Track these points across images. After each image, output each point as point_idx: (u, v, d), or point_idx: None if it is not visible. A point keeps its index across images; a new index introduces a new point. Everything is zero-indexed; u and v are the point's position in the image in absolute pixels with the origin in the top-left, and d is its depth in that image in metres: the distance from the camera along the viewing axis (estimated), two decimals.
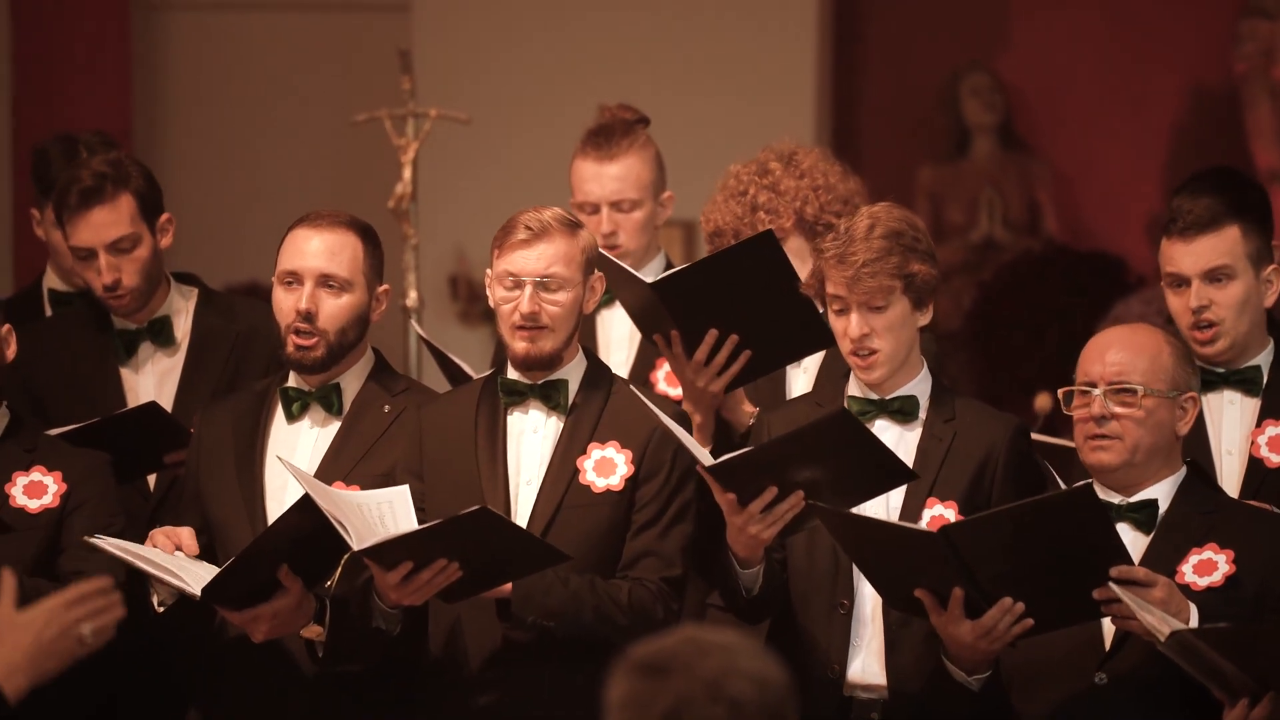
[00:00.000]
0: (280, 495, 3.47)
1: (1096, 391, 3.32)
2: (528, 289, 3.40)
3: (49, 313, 4.25)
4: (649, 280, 3.58)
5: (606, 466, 3.42)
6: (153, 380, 3.89)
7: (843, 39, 7.00)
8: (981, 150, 7.09)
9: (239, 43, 7.11)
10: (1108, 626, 3.26)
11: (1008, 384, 6.34)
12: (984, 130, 7.09)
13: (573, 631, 3.35)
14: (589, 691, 3.27)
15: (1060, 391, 3.38)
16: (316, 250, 3.49)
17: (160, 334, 3.91)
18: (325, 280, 3.49)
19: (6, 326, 3.55)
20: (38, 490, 3.51)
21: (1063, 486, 3.34)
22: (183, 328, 3.92)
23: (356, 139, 5.63)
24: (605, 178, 4.00)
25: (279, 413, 3.55)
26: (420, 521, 3.29)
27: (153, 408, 3.73)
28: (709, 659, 2.15)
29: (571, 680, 3.37)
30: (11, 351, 3.55)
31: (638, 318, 3.74)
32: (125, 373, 3.92)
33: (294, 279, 3.50)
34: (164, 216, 3.91)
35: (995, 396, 6.01)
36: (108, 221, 3.81)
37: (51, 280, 4.30)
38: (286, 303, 3.50)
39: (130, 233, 3.83)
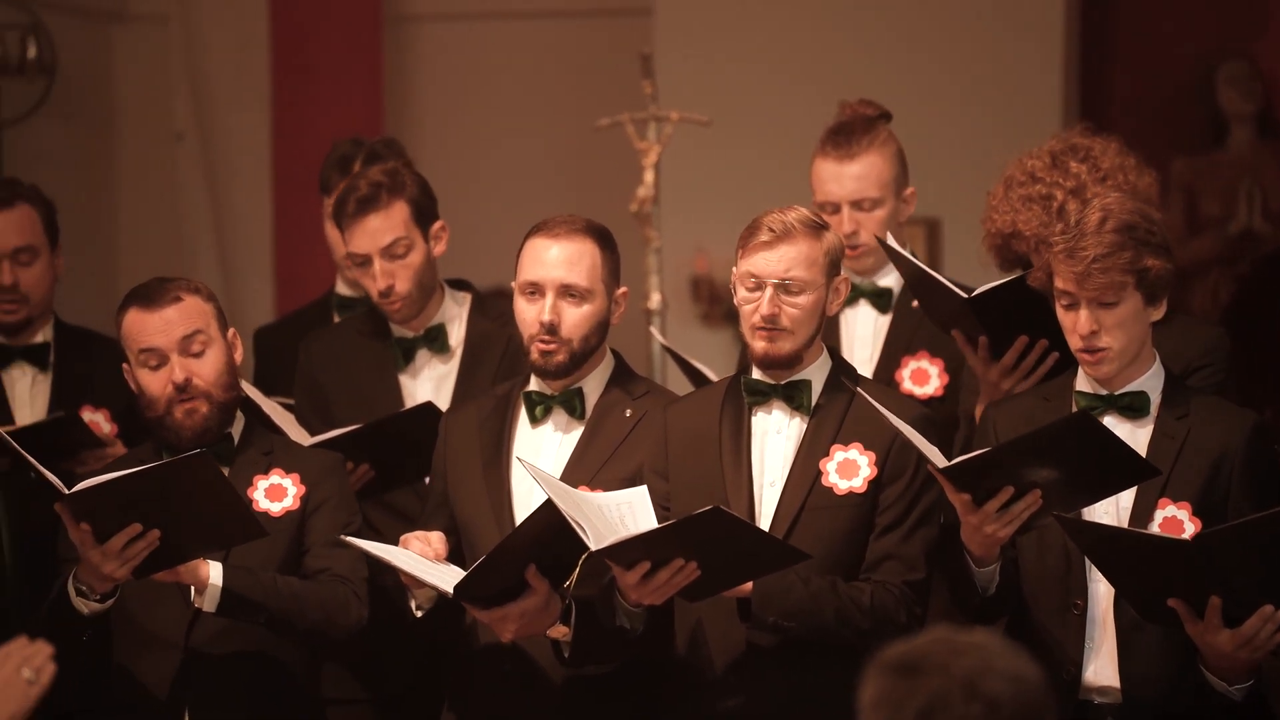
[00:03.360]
0: (527, 498, 3.50)
1: None
2: (768, 290, 3.40)
3: (335, 319, 4.38)
4: (963, 294, 3.62)
5: (849, 468, 3.39)
6: (429, 386, 3.97)
7: (1091, 27, 6.83)
8: (1239, 140, 6.86)
9: (484, 52, 7.24)
10: None
11: (1269, 379, 6.13)
12: (1242, 119, 6.85)
13: (813, 633, 3.33)
14: (832, 694, 3.25)
15: None
16: (555, 260, 3.52)
17: (436, 340, 3.99)
18: (566, 290, 3.52)
19: (232, 331, 3.65)
20: (278, 493, 3.59)
21: None
22: (457, 334, 4.00)
23: (599, 143, 5.68)
24: (845, 177, 3.97)
25: (523, 416, 3.60)
26: (663, 522, 3.30)
27: (430, 408, 3.79)
28: (963, 658, 2.11)
29: (815, 683, 3.35)
30: (239, 355, 3.65)
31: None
32: (403, 380, 4.01)
33: (535, 290, 3.54)
34: (437, 224, 4.01)
35: (1255, 392, 5.82)
36: (382, 228, 3.92)
37: (341, 287, 4.43)
38: (529, 314, 3.54)
39: (403, 237, 3.93)
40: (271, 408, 3.86)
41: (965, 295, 3.60)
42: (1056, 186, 3.64)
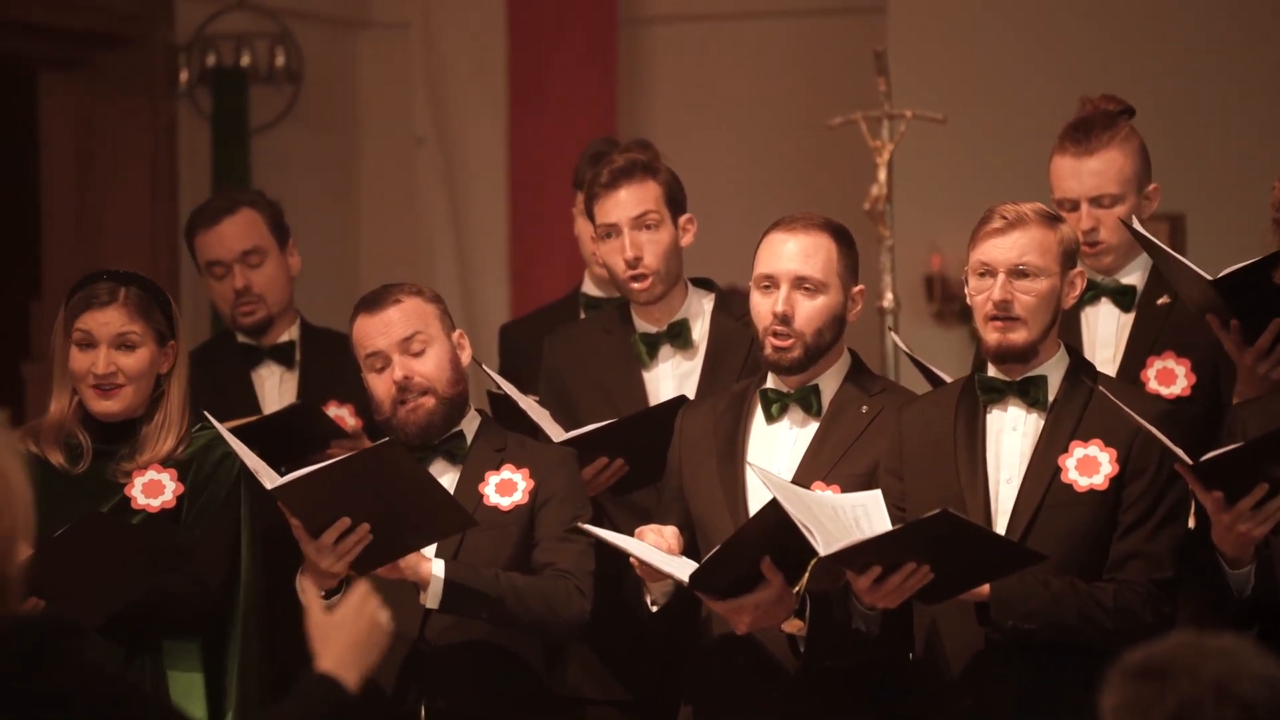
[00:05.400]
0: (761, 494, 3.50)
1: None
2: (1000, 277, 3.37)
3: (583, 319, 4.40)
4: (1208, 278, 3.55)
5: (1090, 465, 3.34)
6: (672, 382, 3.99)
7: None
8: None
9: (717, 52, 7.26)
10: None
11: None
12: None
13: (1055, 635, 3.28)
14: (1073, 694, 3.20)
15: None
16: (791, 253, 3.54)
17: (679, 336, 4.01)
18: (800, 283, 3.54)
19: (459, 332, 3.71)
20: (508, 488, 3.64)
21: None
22: (700, 330, 4.01)
23: (831, 141, 5.66)
24: (1083, 173, 3.90)
25: (758, 413, 3.61)
26: (898, 523, 3.28)
27: (683, 402, 3.81)
28: (1211, 661, 2.06)
29: (1055, 683, 3.30)
30: (467, 356, 3.70)
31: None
32: (647, 376, 4.03)
33: (770, 282, 3.55)
34: (686, 216, 4.03)
35: None
36: (634, 199, 3.95)
37: (587, 286, 4.48)
38: (763, 306, 3.56)
39: (653, 210, 3.96)
40: (527, 404, 3.92)
41: (1210, 279, 3.52)
42: None
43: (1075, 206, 3.93)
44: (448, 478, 3.64)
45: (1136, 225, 3.73)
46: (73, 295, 3.62)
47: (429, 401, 3.63)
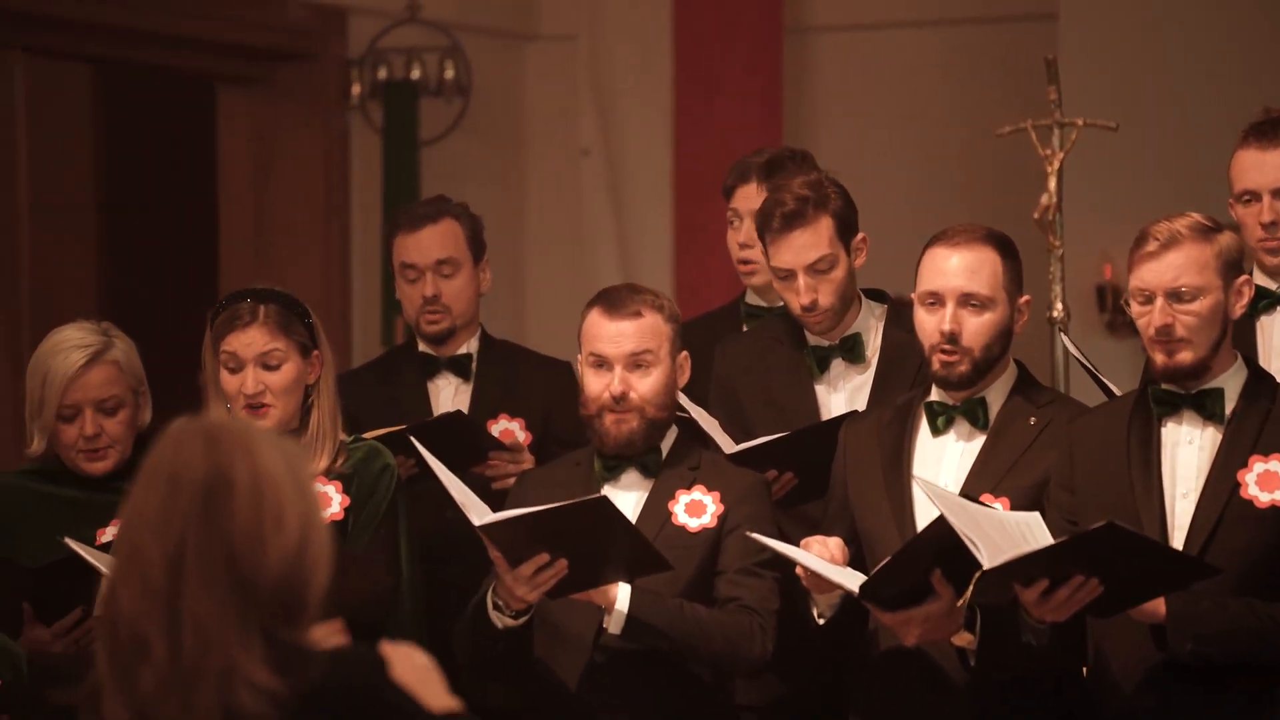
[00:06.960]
0: (929, 507, 3.47)
1: None
2: (1159, 301, 3.31)
3: (744, 328, 4.37)
4: None
5: (1271, 480, 3.27)
6: (844, 396, 3.98)
7: None
8: None
9: (883, 60, 7.22)
10: None
11: None
12: None
13: (1233, 658, 3.23)
14: (1251, 711, 3.15)
15: None
16: (956, 269, 3.51)
17: (851, 350, 3.99)
18: (967, 299, 3.50)
19: (684, 354, 3.71)
20: (698, 509, 3.64)
21: None
22: (873, 344, 4.00)
23: (1000, 150, 5.60)
24: (1267, 165, 3.82)
25: (923, 426, 3.58)
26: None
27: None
28: None
29: (1232, 699, 3.25)
30: (684, 378, 3.71)
31: None
32: (819, 389, 4.02)
33: (935, 299, 3.53)
34: (859, 236, 4.01)
35: None
36: (808, 244, 3.93)
37: (750, 296, 4.48)
38: (929, 324, 3.53)
39: (828, 253, 3.94)
40: (699, 413, 3.93)
41: None
42: None
43: (1258, 198, 3.84)
44: (637, 492, 3.66)
45: None
46: (217, 315, 3.70)
47: (634, 421, 3.63)
